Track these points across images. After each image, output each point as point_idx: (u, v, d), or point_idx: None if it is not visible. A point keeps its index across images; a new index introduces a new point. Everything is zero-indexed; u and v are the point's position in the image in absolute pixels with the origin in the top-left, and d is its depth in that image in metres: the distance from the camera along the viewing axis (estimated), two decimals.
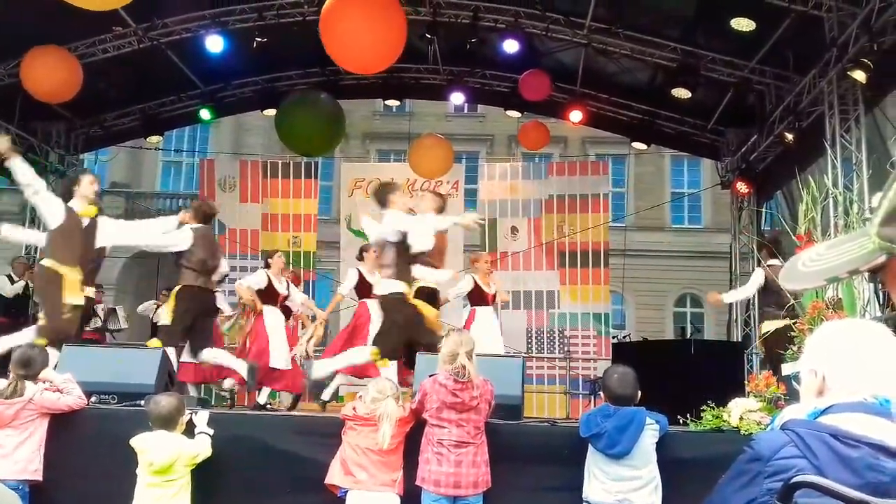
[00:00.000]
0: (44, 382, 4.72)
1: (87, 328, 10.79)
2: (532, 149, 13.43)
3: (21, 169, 5.89)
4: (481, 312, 7.91)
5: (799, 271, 0.63)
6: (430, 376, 4.44)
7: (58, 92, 9.16)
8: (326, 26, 6.98)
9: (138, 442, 4.30)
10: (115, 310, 11.33)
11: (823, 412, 1.41)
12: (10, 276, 10.52)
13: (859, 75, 7.57)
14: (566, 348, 11.89)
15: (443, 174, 11.94)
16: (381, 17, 6.95)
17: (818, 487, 1.11)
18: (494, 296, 8.07)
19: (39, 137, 11.81)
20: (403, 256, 5.93)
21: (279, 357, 7.28)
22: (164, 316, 6.60)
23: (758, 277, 7.48)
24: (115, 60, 10.59)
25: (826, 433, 1.33)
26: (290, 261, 11.87)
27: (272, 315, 7.49)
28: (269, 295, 7.48)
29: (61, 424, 4.69)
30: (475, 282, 7.92)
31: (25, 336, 5.84)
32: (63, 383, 4.71)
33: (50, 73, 8.76)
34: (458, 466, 4.20)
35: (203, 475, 4.44)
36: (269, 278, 7.53)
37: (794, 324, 6.91)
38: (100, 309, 11.01)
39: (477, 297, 7.93)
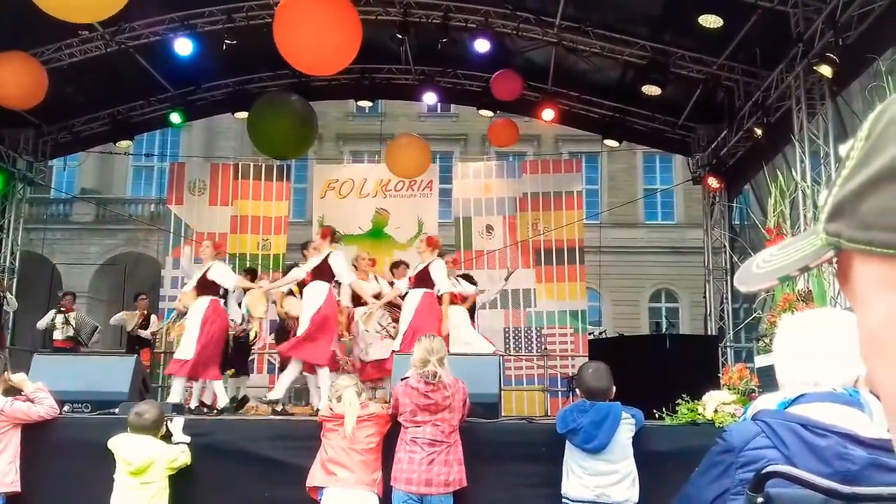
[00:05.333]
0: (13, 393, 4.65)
1: (59, 337, 10.70)
2: (502, 146, 13.47)
3: None
4: None
5: (753, 273, 0.64)
6: (402, 380, 4.45)
7: (22, 99, 9.02)
8: (279, 28, 6.93)
9: (116, 442, 4.28)
10: (85, 319, 11.25)
11: (793, 402, 1.43)
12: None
13: (825, 70, 7.66)
14: (543, 346, 11.93)
15: (419, 173, 11.92)
16: (332, 18, 6.89)
17: (789, 477, 1.12)
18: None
19: (7, 144, 11.63)
20: None
21: None
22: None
23: None
24: (83, 65, 10.45)
25: (795, 423, 1.34)
26: (259, 264, 11.82)
27: None
28: None
29: (36, 434, 4.64)
30: None
31: None
32: (34, 392, 4.65)
33: (13, 80, 8.61)
34: (429, 465, 4.21)
35: (181, 480, 4.42)
36: None
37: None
38: (72, 318, 10.89)
39: None
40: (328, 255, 7.11)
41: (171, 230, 12.58)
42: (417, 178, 12.72)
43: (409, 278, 7.49)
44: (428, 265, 7.35)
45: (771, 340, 4.86)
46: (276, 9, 6.93)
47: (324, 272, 7.04)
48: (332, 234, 7.39)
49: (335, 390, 4.53)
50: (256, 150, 11.15)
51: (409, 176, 12.07)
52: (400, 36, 10.11)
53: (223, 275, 7.25)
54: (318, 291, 6.92)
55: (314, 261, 7.17)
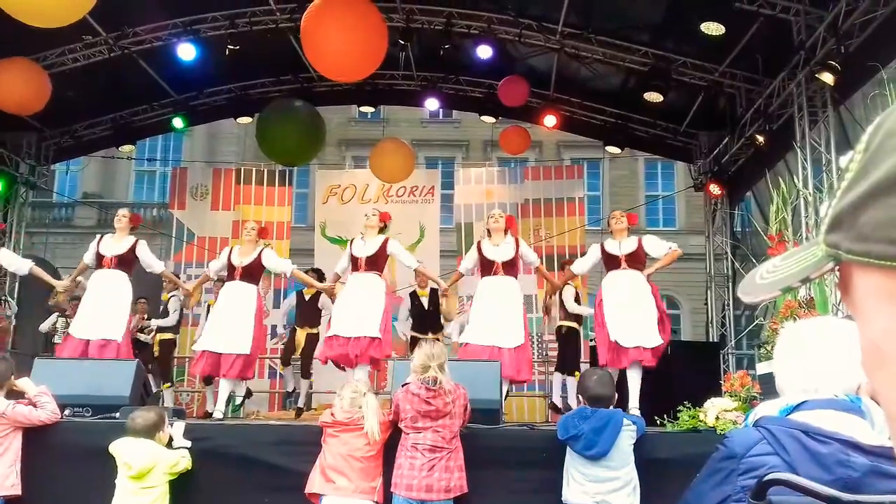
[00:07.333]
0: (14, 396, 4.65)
1: (60, 342, 10.70)
2: (513, 153, 13.47)
3: None
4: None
5: (756, 284, 0.65)
6: (403, 386, 4.44)
7: (26, 104, 9.04)
8: (307, 34, 6.95)
9: (117, 446, 4.28)
10: None
11: (795, 409, 1.43)
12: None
13: (827, 77, 7.66)
14: (545, 353, 11.90)
15: (403, 178, 11.90)
16: (362, 24, 6.93)
17: (790, 485, 1.13)
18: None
19: (9, 148, 11.65)
20: None
21: None
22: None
23: None
24: (86, 69, 10.47)
25: (797, 430, 1.34)
26: None
27: None
28: None
29: (37, 437, 4.64)
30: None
31: None
32: (37, 396, 4.65)
33: (16, 85, 8.63)
34: (430, 471, 4.20)
35: (181, 485, 4.41)
36: None
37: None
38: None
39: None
40: (386, 240, 6.75)
41: (174, 235, 12.59)
42: (419, 184, 12.74)
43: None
44: (260, 254, 6.87)
45: (773, 348, 4.86)
46: (306, 12, 6.94)
47: (378, 262, 6.70)
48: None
49: (349, 395, 4.49)
50: (260, 155, 11.18)
51: (393, 181, 12.07)
52: (403, 42, 10.13)
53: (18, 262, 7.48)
54: (376, 286, 6.60)
55: (367, 249, 6.69)
